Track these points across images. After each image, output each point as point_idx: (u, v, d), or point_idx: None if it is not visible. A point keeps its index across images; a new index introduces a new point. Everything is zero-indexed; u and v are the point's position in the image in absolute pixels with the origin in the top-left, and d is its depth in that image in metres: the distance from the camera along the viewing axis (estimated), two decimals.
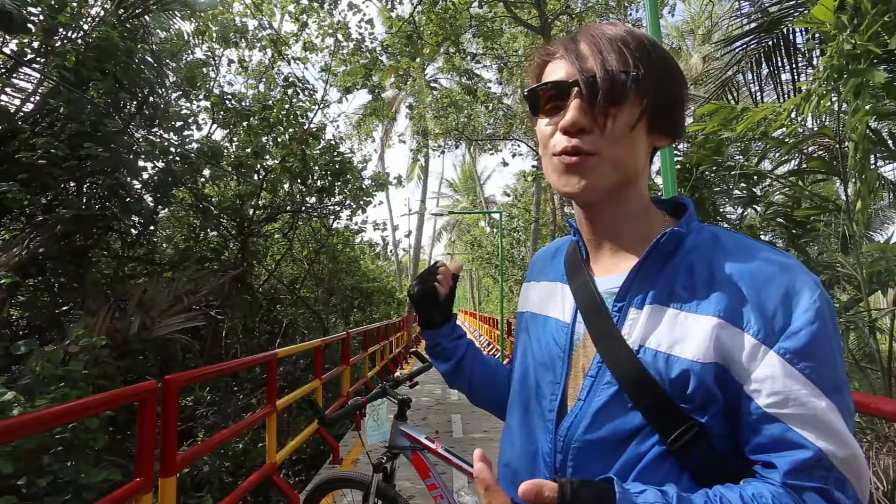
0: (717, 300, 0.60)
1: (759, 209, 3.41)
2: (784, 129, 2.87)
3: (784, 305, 0.58)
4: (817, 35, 2.92)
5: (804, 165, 4.21)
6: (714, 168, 3.25)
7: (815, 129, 3.65)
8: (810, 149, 4.26)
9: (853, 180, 2.66)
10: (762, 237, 3.41)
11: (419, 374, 2.60)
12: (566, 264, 0.77)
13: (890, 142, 2.85)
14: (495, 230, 21.47)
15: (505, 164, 24.69)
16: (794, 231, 3.17)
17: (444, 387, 8.63)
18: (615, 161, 0.64)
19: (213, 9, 8.12)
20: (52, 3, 5.12)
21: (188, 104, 7.52)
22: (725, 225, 3.50)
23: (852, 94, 2.21)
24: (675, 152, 3.34)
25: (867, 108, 2.29)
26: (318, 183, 8.53)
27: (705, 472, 0.60)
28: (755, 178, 3.29)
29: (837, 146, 2.84)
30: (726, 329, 0.59)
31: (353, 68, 9.39)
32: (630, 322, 0.64)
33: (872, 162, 2.75)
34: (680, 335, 0.61)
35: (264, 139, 7.79)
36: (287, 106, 8.07)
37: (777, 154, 4.00)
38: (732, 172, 3.13)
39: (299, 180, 8.25)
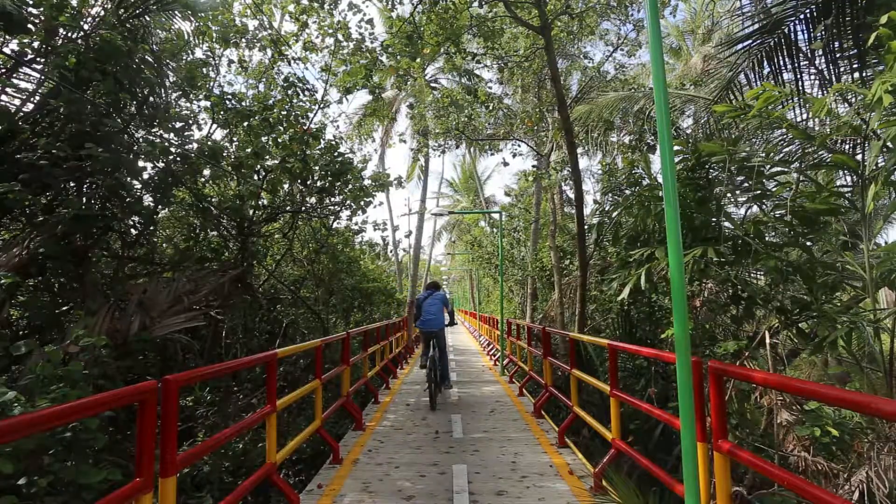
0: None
1: (765, 207, 3.38)
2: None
3: None
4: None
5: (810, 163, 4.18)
6: (722, 163, 3.21)
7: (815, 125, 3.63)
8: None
9: (870, 179, 2.62)
10: (766, 235, 3.38)
11: None
12: None
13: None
14: (495, 230, 21.45)
15: (505, 164, 24.40)
16: (799, 230, 3.14)
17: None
18: None
19: (214, 9, 8.11)
20: (53, 3, 5.11)
21: (188, 104, 7.51)
22: (728, 224, 3.47)
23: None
24: (676, 147, 3.31)
25: None
26: (319, 183, 8.51)
27: None
28: (769, 170, 3.24)
29: (860, 142, 2.81)
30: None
31: (353, 68, 9.36)
32: None
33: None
34: None
35: (264, 139, 7.78)
36: (287, 106, 8.06)
37: (780, 152, 3.98)
38: (748, 164, 3.09)
39: (299, 181, 8.23)
